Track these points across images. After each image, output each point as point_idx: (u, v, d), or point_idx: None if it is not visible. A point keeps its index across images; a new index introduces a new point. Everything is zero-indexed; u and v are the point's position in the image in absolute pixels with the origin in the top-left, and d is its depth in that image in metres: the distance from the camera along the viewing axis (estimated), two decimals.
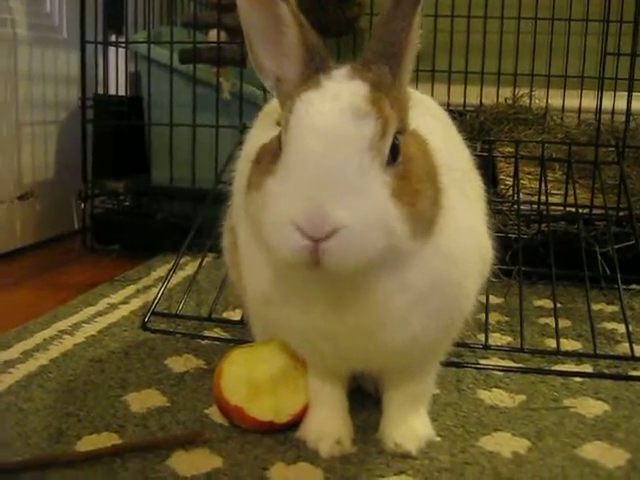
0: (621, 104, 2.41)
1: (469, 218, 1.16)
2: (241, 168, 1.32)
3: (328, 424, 1.23)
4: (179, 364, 1.56)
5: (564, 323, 1.88)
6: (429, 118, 1.20)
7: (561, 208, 2.36)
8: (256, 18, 1.05)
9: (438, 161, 1.06)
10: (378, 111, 0.96)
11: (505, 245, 2.19)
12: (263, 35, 1.06)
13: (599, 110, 2.44)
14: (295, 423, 1.25)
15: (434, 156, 1.06)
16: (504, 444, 1.25)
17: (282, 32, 1.03)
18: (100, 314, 1.88)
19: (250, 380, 1.25)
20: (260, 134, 1.23)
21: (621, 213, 2.30)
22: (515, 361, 1.65)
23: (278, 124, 1.05)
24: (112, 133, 2.72)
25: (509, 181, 2.48)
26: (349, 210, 0.90)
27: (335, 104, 0.95)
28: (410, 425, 1.23)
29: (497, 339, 1.78)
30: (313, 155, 0.93)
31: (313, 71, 1.02)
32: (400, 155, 0.98)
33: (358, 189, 0.92)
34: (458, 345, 1.68)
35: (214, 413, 1.32)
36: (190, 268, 2.29)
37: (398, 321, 1.06)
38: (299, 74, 1.03)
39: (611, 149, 2.48)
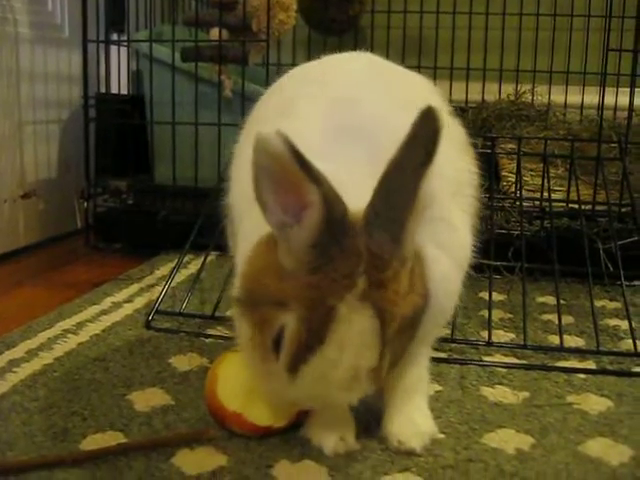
0: (623, 100, 2.40)
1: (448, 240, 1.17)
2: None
3: (331, 421, 1.22)
4: (183, 362, 1.56)
5: (567, 319, 1.88)
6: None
7: (563, 204, 2.36)
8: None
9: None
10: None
11: (508, 242, 2.20)
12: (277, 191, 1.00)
13: (601, 106, 2.44)
14: (292, 425, 1.24)
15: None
16: (508, 441, 1.25)
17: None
18: (104, 313, 1.88)
19: (246, 385, 1.22)
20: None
21: (624, 209, 2.30)
22: (518, 358, 1.65)
23: None
24: (114, 132, 2.72)
25: (511, 178, 2.48)
26: None
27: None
28: (413, 421, 1.23)
29: (500, 336, 1.78)
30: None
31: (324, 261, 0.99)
32: None
33: None
34: (461, 342, 1.70)
35: None
36: (193, 266, 2.30)
37: None
38: (308, 256, 1.00)
39: (613, 145, 2.48)
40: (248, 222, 1.17)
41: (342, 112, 1.17)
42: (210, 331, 1.75)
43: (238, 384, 1.23)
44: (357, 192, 1.01)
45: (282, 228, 1.01)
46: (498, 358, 1.64)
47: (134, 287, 2.12)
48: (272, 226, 1.02)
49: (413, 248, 1.04)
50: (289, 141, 0.94)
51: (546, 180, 2.27)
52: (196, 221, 2.03)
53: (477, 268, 2.13)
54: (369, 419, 1.26)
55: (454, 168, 1.24)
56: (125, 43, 2.78)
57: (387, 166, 0.99)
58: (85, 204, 2.63)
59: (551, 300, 2.05)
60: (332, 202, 0.97)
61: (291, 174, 0.95)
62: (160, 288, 1.94)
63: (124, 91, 2.86)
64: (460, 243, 1.21)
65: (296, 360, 1.01)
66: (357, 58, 1.39)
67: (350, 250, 0.98)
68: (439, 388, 1.45)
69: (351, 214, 0.99)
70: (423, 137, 0.98)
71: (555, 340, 1.72)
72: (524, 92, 3.03)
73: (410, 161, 0.99)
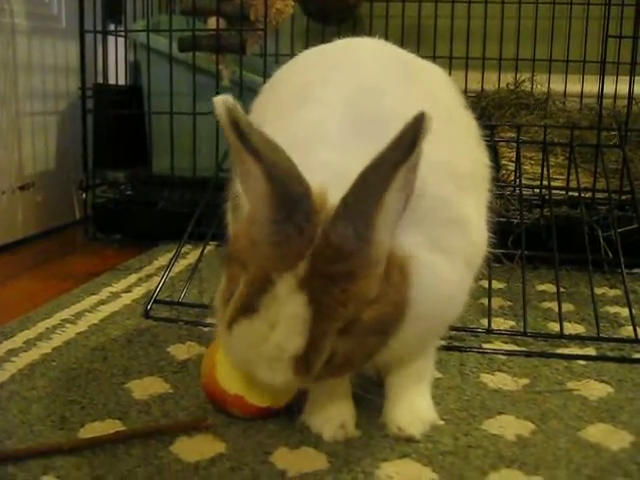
0: (623, 88, 2.39)
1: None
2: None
3: (331, 408, 1.22)
4: (182, 351, 1.56)
5: (567, 307, 1.88)
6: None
7: (563, 192, 2.35)
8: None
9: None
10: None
11: (507, 230, 2.20)
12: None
13: (601, 94, 2.43)
14: (289, 405, 1.23)
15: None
16: (508, 427, 1.25)
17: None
18: (102, 303, 1.87)
19: None
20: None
21: (623, 197, 2.30)
22: (518, 345, 1.64)
23: None
24: (112, 123, 2.72)
25: (511, 166, 2.47)
26: None
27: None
28: (413, 408, 1.23)
29: (500, 323, 1.77)
30: None
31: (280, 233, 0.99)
32: None
33: None
34: (461, 330, 1.69)
35: None
36: (192, 256, 2.29)
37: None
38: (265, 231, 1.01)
39: (613, 133, 2.47)
40: None
41: (363, 103, 1.15)
42: (208, 320, 1.74)
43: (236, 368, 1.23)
44: None
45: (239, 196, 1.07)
46: (498, 345, 1.64)
47: (133, 277, 2.12)
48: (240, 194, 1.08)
49: (389, 254, 1.03)
50: (233, 110, 0.97)
51: (546, 168, 2.26)
52: (194, 211, 2.02)
53: None
54: (369, 405, 1.26)
55: (472, 159, 1.25)
56: (122, 33, 2.77)
57: (368, 163, 0.99)
58: (83, 195, 2.63)
59: (551, 288, 2.05)
60: (280, 178, 0.98)
61: (233, 142, 0.99)
62: (159, 278, 1.93)
63: (122, 82, 2.85)
64: (472, 241, 1.19)
65: (232, 319, 1.03)
66: (375, 45, 1.37)
67: (306, 233, 0.99)
68: (439, 375, 1.45)
69: (320, 200, 1.00)
70: (406, 139, 0.98)
71: (555, 327, 1.72)
72: (523, 81, 3.03)
73: (388, 160, 0.99)
